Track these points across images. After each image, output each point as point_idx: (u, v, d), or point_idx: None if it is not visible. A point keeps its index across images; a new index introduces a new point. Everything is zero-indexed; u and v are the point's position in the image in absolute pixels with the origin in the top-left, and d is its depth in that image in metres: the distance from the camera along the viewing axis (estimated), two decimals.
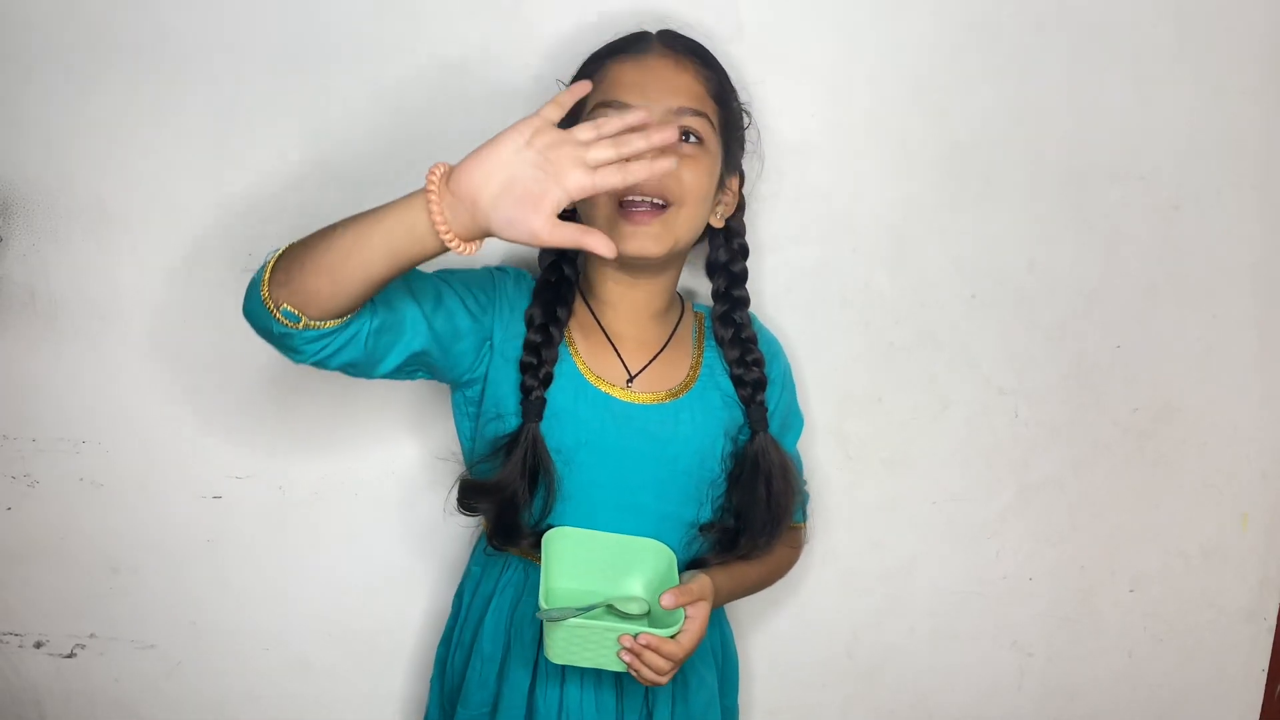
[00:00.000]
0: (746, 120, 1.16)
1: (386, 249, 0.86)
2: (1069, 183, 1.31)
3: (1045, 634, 1.43)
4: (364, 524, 1.33)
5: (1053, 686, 1.45)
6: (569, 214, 1.11)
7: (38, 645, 1.35)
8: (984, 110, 1.28)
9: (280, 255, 0.90)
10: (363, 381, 1.27)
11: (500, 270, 1.13)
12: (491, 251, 1.20)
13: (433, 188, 0.84)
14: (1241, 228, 1.35)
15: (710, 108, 1.07)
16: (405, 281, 0.96)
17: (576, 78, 1.10)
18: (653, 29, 1.11)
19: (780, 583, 1.25)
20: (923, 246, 1.31)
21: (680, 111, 1.04)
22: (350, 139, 1.23)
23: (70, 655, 1.36)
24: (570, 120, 1.06)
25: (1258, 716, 1.51)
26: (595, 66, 1.08)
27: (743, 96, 1.15)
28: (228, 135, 1.23)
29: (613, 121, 0.85)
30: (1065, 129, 1.30)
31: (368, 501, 1.32)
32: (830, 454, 1.35)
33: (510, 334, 1.07)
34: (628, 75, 1.05)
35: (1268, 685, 1.49)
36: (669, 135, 0.85)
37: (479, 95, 1.22)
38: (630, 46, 1.08)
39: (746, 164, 1.18)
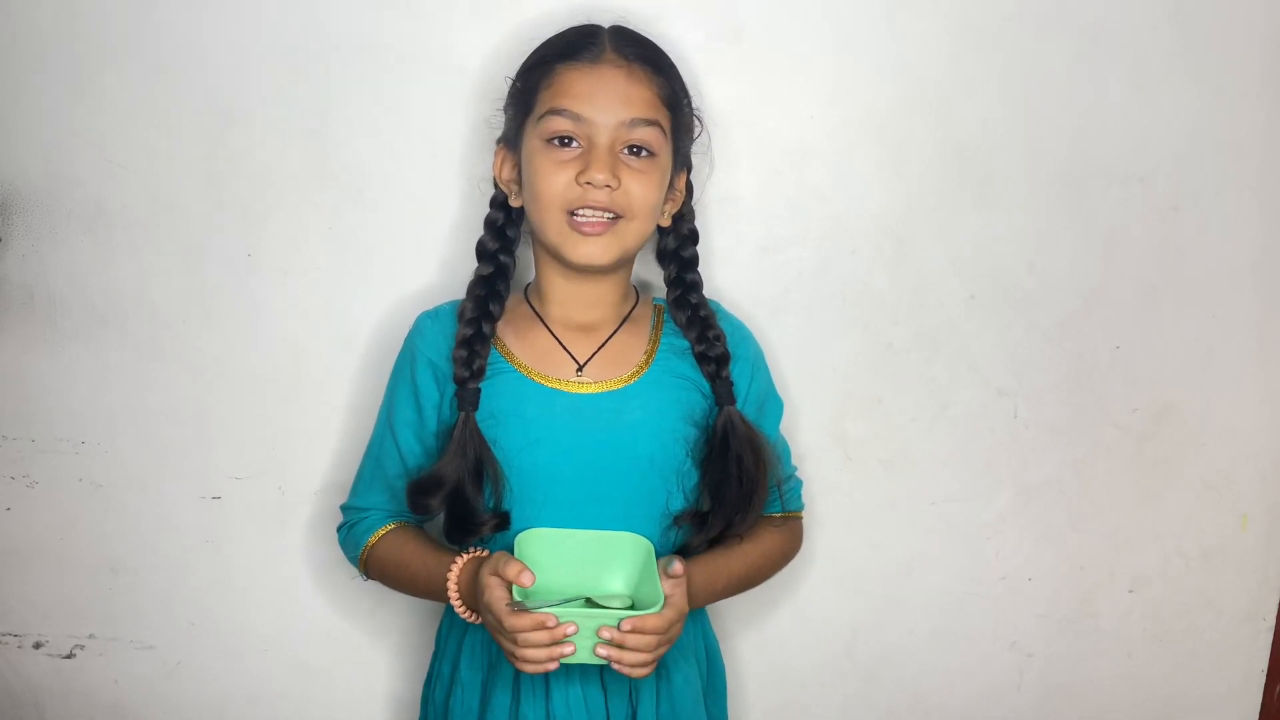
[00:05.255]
0: (698, 129, 1.16)
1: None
2: (1068, 184, 1.31)
3: (1044, 635, 1.43)
4: None
5: (1052, 687, 1.45)
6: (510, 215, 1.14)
7: (37, 646, 1.35)
8: (983, 111, 1.28)
9: (367, 561, 1.15)
10: (361, 384, 1.28)
11: (409, 340, 1.14)
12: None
13: (454, 597, 1.06)
14: (1241, 228, 1.35)
15: (663, 115, 1.07)
16: (402, 465, 1.13)
17: (525, 73, 1.10)
18: (607, 23, 1.10)
19: (779, 582, 1.25)
20: (922, 247, 1.31)
21: (633, 122, 1.05)
22: (350, 139, 1.23)
23: (70, 656, 1.36)
24: (521, 117, 1.08)
25: (1257, 717, 1.51)
26: (545, 70, 1.07)
27: (741, 97, 1.14)
28: (228, 135, 1.23)
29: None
30: (1065, 130, 1.30)
31: None
32: (829, 455, 1.35)
33: (446, 361, 1.10)
34: (579, 85, 1.05)
35: (1267, 686, 1.49)
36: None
37: (479, 95, 1.22)
38: (582, 52, 1.06)
39: (697, 144, 1.17)
